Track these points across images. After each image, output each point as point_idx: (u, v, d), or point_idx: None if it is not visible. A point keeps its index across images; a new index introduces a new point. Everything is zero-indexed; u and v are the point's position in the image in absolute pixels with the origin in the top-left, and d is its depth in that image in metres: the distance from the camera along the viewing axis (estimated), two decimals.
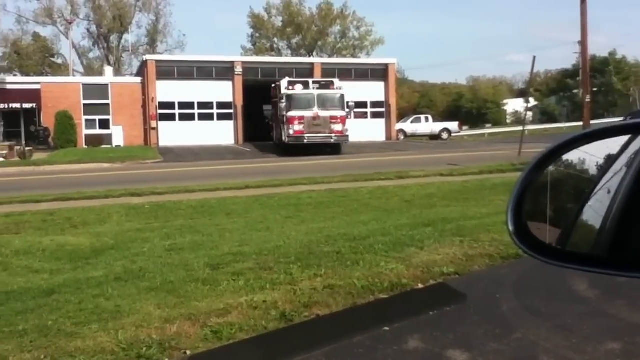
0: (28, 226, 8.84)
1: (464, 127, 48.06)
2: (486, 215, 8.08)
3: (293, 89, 28.93)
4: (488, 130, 52.90)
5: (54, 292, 5.12)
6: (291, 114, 28.58)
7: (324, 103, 28.79)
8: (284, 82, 29.53)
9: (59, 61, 60.47)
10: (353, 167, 17.99)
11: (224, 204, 10.69)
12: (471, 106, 61.83)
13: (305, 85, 29.26)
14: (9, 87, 34.15)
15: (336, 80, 30.34)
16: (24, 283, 5.53)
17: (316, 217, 8.98)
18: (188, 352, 3.84)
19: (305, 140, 28.30)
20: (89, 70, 58.27)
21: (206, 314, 4.41)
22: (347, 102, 28.93)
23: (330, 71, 38.43)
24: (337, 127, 28.55)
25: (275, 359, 3.80)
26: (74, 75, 49.01)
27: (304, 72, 36.43)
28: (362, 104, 40.73)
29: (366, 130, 38.17)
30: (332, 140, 28.54)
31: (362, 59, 55.88)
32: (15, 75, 48.94)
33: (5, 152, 27.39)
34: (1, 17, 39.41)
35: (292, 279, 5.23)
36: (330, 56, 60.48)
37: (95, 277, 5.59)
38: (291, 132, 28.52)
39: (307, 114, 28.46)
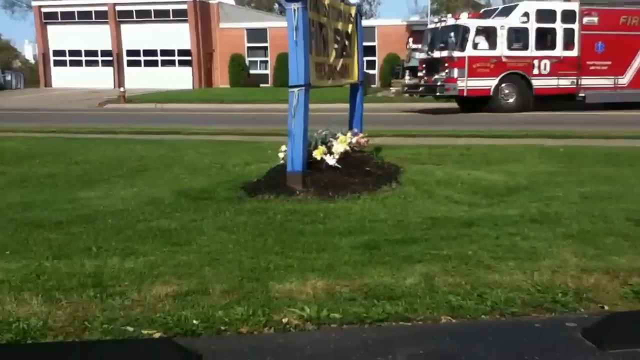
0: (448, 159, 9.36)
1: None
2: None
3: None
4: None
5: (472, 224, 5.34)
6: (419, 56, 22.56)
7: (444, 41, 20.64)
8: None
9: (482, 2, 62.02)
10: None
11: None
12: None
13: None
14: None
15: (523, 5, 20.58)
16: (446, 212, 5.87)
17: None
18: (606, 307, 3.63)
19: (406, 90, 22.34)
20: None
21: (626, 271, 4.09)
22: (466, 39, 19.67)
23: None
24: (447, 73, 20.09)
25: None
26: None
27: None
28: None
29: None
30: (419, 90, 21.43)
31: None
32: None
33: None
34: None
35: None
36: None
37: (510, 215, 5.64)
38: (407, 80, 23.12)
39: (425, 56, 21.63)
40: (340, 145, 7.37)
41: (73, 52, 43.50)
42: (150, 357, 3.00)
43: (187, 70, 40.77)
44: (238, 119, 20.02)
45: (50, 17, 43.80)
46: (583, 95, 20.73)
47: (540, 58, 20.34)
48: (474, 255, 4.43)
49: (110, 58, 42.27)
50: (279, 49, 36.70)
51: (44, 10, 43.95)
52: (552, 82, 20.51)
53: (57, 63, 44.03)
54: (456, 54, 19.95)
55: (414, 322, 3.42)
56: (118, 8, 41.86)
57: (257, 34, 41.37)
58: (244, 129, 15.04)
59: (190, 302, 3.59)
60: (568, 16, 20.49)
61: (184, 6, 40.44)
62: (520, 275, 4.03)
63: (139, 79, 39.95)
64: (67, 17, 43.30)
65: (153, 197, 6.66)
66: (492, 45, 20.06)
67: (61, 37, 43.18)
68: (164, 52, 41.70)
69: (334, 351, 3.06)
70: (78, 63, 43.55)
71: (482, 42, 20.16)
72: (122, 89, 31.38)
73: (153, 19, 41.11)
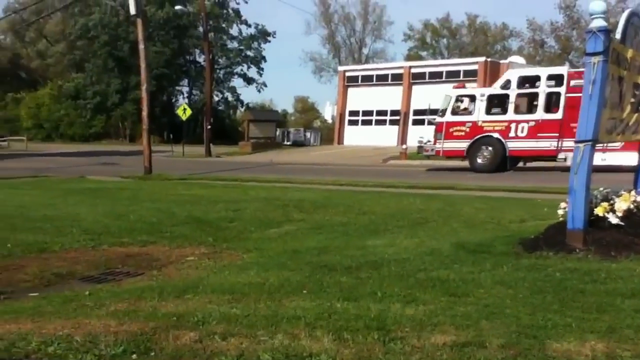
0: None
1: None
2: None
3: None
4: None
5: None
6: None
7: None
8: None
9: None
10: None
11: None
12: None
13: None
14: None
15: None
16: None
17: None
18: None
19: None
20: None
21: None
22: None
23: None
24: (434, 136, 23.49)
25: None
26: None
27: None
28: None
29: None
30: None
31: None
32: None
33: None
34: None
35: None
36: None
37: None
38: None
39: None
40: (623, 203, 6.94)
41: (366, 112, 47.21)
42: None
43: None
44: (517, 176, 19.69)
45: (351, 80, 48.49)
46: (564, 157, 20.06)
47: (518, 122, 21.01)
48: None
49: (398, 117, 44.85)
50: None
51: (347, 74, 49.07)
52: (529, 145, 20.86)
53: (351, 122, 48.12)
54: (438, 119, 23.15)
55: None
56: (413, 70, 44.84)
57: None
58: (516, 186, 15.00)
59: (466, 354, 3.66)
60: (554, 80, 20.84)
61: (475, 66, 41.96)
62: None
63: (420, 136, 41.57)
64: (366, 80, 47.47)
65: (433, 248, 6.98)
66: (471, 111, 22.10)
67: (358, 98, 47.32)
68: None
69: None
70: (368, 122, 47.04)
71: (462, 109, 22.44)
72: (404, 146, 33.04)
73: (444, 79, 42.80)
